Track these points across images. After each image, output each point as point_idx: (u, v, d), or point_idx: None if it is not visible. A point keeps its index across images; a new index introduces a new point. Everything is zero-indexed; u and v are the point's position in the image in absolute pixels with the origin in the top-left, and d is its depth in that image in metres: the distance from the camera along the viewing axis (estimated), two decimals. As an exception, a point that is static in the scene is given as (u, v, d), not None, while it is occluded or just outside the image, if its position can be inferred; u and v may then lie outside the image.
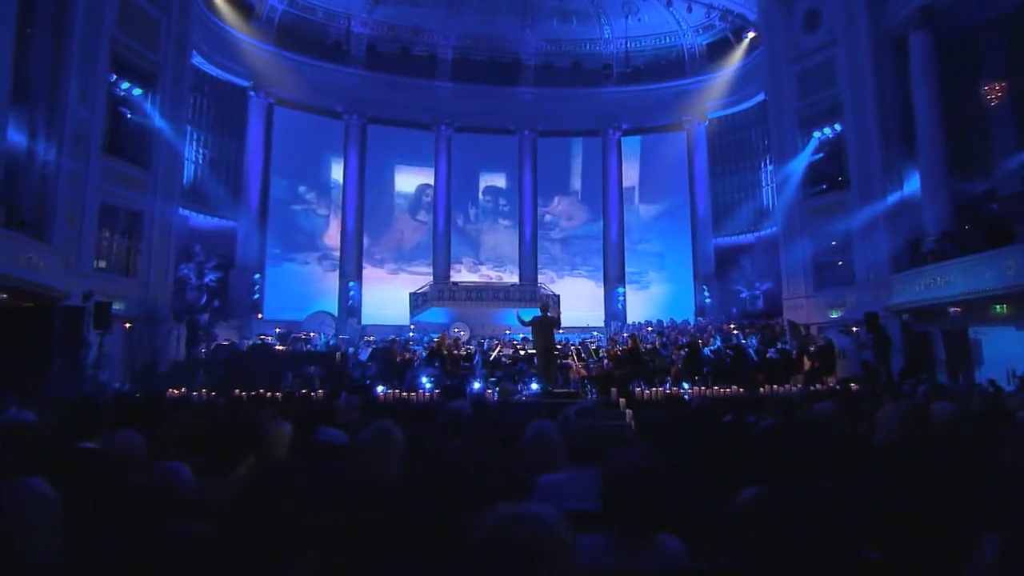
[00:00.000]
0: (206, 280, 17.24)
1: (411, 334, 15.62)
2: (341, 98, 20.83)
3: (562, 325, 20.28)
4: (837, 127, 16.96)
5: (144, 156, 14.79)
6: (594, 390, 10.44)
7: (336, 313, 19.81)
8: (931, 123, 14.76)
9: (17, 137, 11.94)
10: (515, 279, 22.00)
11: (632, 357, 10.95)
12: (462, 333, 17.32)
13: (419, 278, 21.20)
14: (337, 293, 20.50)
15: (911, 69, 15.17)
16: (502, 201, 22.99)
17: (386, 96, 21.09)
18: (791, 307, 17.45)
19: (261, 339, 13.95)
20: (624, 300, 21.71)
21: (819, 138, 17.30)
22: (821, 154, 17.43)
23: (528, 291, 21.17)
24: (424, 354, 12.09)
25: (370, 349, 12.92)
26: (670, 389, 10.31)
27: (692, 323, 18.77)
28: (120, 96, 14.29)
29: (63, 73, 12.59)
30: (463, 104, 21.78)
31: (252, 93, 19.16)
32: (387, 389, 10.83)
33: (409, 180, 22.36)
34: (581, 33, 22.19)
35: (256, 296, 18.23)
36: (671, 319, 19.33)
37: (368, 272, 21.22)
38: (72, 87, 12.68)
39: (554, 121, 22.48)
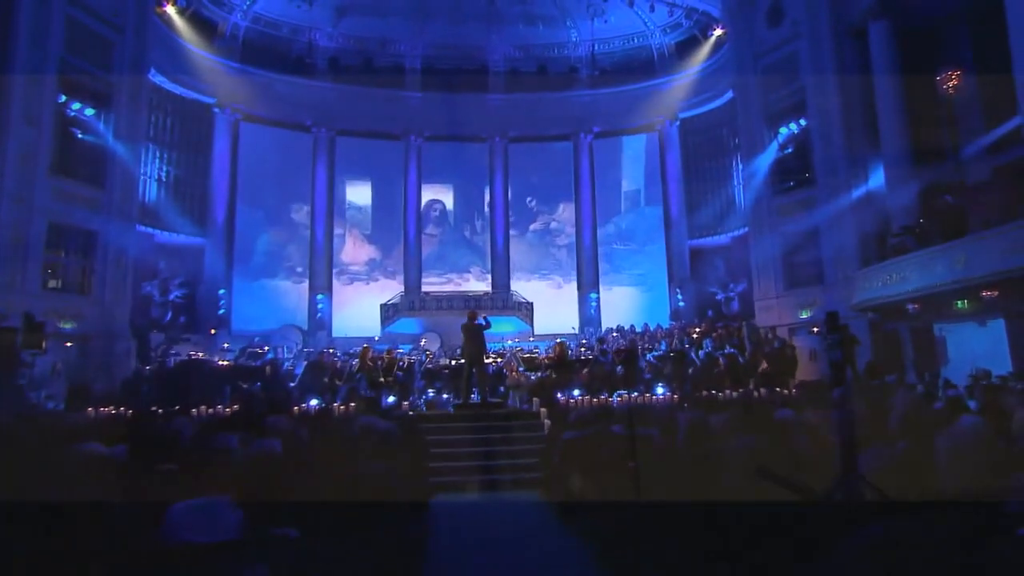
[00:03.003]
0: (171, 297, 17.29)
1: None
2: (309, 112, 20.88)
3: (536, 332, 20.62)
4: (803, 122, 16.55)
5: (98, 175, 14.88)
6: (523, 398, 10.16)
7: (306, 326, 19.77)
8: (894, 114, 14.29)
9: (-41, 160, 12.08)
10: (523, 287, 21.83)
11: (558, 365, 10.65)
12: (424, 342, 17.12)
13: (427, 288, 21.55)
14: (358, 307, 20.63)
15: (872, 60, 14.74)
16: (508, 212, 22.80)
17: (355, 108, 21.09)
18: (762, 308, 16.97)
19: (190, 355, 13.89)
20: (598, 305, 21.34)
21: (785, 134, 16.90)
22: (789, 150, 17.03)
23: (500, 298, 20.96)
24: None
25: (303, 362, 12.80)
26: (603, 398, 9.97)
27: (664, 328, 18.35)
28: (72, 116, 14.40)
29: (6, 96, 12.72)
30: (433, 113, 21.65)
31: (217, 110, 19.27)
32: (320, 403, 10.63)
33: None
34: (548, 37, 22.04)
35: (222, 311, 18.22)
36: (645, 324, 18.92)
37: (383, 284, 21.48)
38: (15, 109, 12.82)
39: (525, 127, 22.29)
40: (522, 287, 21.87)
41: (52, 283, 14.10)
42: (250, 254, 20.15)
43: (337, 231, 21.71)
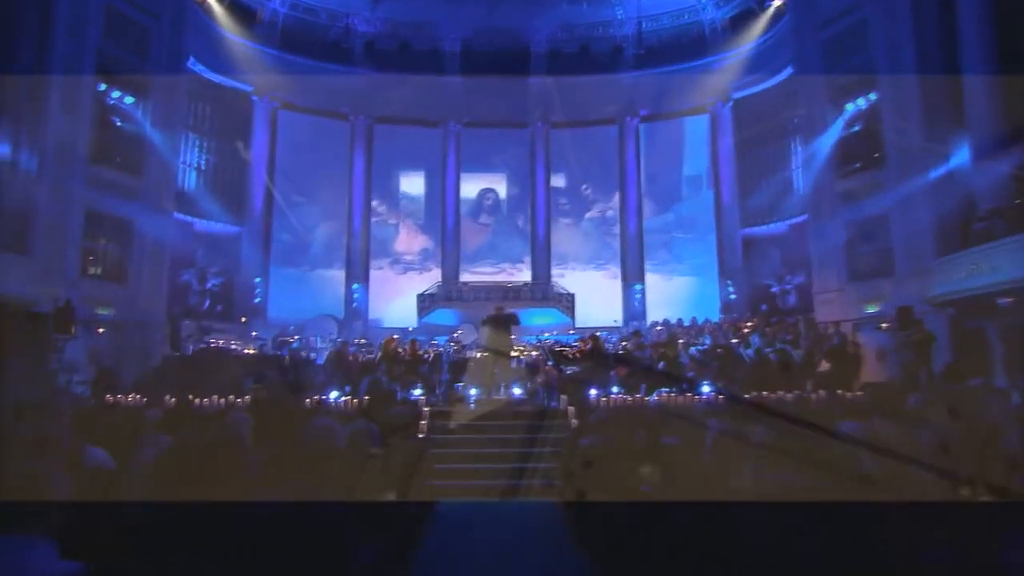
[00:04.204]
0: (208, 285, 17.38)
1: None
2: (347, 99, 20.61)
3: (579, 325, 19.71)
4: (872, 96, 14.95)
5: (135, 164, 14.97)
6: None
7: (342, 315, 19.59)
8: (984, 82, 12.57)
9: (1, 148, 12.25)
10: (578, 277, 21.09)
11: (592, 360, 9.81)
12: (459, 334, 16.55)
13: (481, 277, 21.19)
14: (411, 297, 20.38)
15: (960, 21, 13.01)
16: (562, 200, 22.14)
17: (393, 94, 20.67)
18: (822, 302, 15.51)
19: (209, 342, 13.75)
20: (643, 297, 20.23)
21: (852, 111, 15.35)
22: (856, 128, 15.45)
23: (540, 290, 20.21)
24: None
25: (325, 353, 12.44)
26: (640, 396, 9.06)
27: (714, 322, 17.13)
28: (110, 104, 14.52)
29: (46, 85, 12.83)
30: (472, 99, 20.99)
31: (255, 98, 19.25)
32: (339, 397, 10.17)
33: (470, 186, 22.21)
34: (593, 16, 20.96)
35: (258, 300, 18.22)
36: (693, 318, 17.74)
37: (435, 273, 21.21)
38: (55, 98, 12.90)
39: (568, 111, 21.24)
40: (577, 277, 21.07)
41: (92, 270, 14.28)
42: (308, 244, 20.17)
43: (391, 221, 21.77)
